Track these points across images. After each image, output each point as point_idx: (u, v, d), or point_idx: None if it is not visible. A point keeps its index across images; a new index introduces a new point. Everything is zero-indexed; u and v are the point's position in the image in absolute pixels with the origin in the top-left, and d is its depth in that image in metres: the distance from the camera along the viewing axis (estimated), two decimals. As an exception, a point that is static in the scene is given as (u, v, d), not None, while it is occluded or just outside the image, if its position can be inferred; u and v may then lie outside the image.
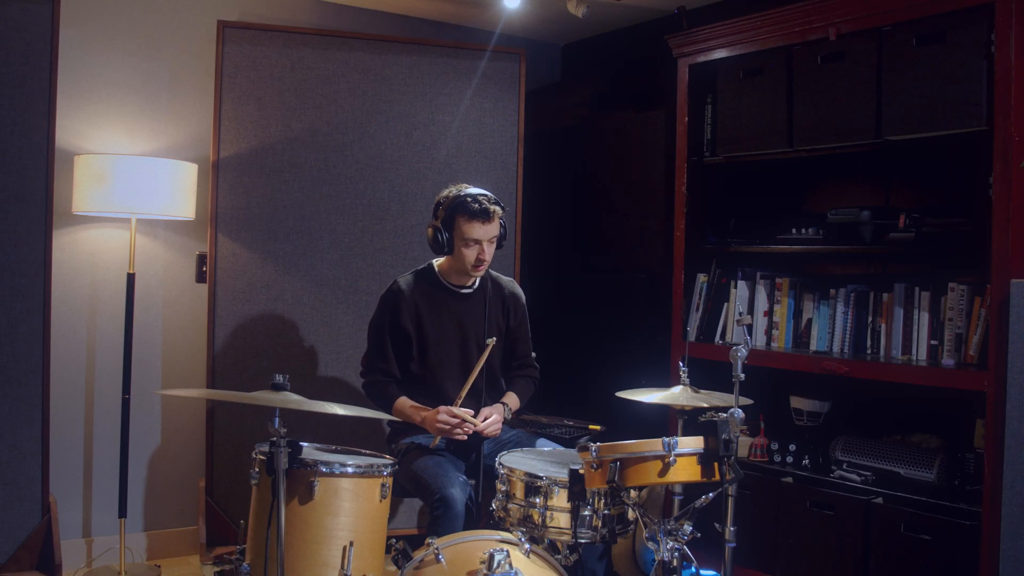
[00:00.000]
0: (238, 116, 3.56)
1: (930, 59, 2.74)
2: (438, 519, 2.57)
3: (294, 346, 3.66)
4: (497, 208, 2.83)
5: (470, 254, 2.84)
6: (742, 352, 2.27)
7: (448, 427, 2.77)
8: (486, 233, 2.82)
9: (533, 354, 3.17)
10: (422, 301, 2.94)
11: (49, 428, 3.10)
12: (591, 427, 3.48)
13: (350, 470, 2.34)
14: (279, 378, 2.27)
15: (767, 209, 3.47)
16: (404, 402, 2.89)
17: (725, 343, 3.42)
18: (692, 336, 3.44)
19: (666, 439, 2.18)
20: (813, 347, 3.21)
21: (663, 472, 2.20)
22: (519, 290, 3.12)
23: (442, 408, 2.80)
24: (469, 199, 2.80)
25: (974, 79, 2.63)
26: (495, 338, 2.89)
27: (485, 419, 2.84)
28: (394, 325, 2.92)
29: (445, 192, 2.89)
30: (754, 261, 3.44)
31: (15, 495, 3.03)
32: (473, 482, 2.76)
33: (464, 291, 2.98)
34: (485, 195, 2.84)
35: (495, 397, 3.03)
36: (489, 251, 2.86)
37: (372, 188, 3.74)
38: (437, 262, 3.02)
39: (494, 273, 3.07)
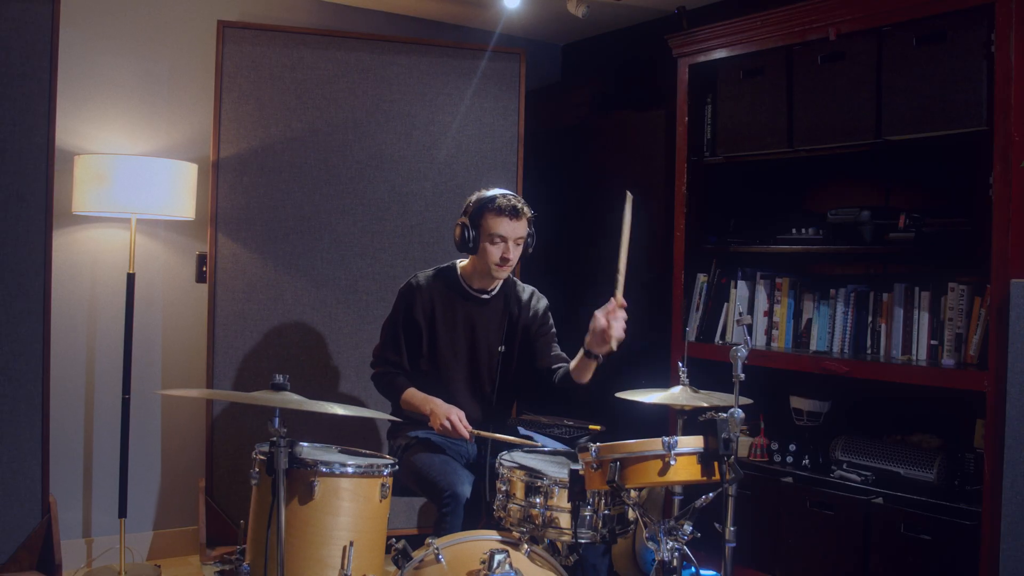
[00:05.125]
0: (238, 116, 3.56)
1: (930, 59, 2.74)
2: (446, 516, 2.57)
3: (294, 346, 3.65)
4: (526, 209, 2.84)
5: (495, 251, 2.82)
6: (742, 352, 2.27)
7: (449, 430, 2.76)
8: (513, 231, 2.81)
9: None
10: (438, 299, 2.92)
11: (49, 428, 3.10)
12: (591, 427, 3.48)
13: (350, 470, 2.34)
14: (279, 378, 2.27)
15: (767, 209, 3.47)
16: (414, 392, 2.87)
17: (725, 343, 3.42)
18: (692, 336, 3.44)
19: (666, 439, 2.18)
20: (813, 347, 3.21)
21: (663, 472, 2.19)
22: (538, 300, 3.04)
23: (455, 411, 2.78)
24: (499, 196, 2.82)
25: (974, 79, 2.63)
26: (503, 347, 2.89)
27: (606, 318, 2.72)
28: (407, 318, 2.92)
29: (475, 193, 2.89)
30: (754, 261, 3.43)
31: (15, 495, 3.03)
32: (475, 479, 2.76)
33: (482, 296, 2.95)
34: (515, 196, 2.85)
35: (506, 407, 3.04)
36: (515, 252, 2.84)
37: (372, 188, 3.74)
38: (461, 263, 2.99)
39: (520, 283, 3.05)
